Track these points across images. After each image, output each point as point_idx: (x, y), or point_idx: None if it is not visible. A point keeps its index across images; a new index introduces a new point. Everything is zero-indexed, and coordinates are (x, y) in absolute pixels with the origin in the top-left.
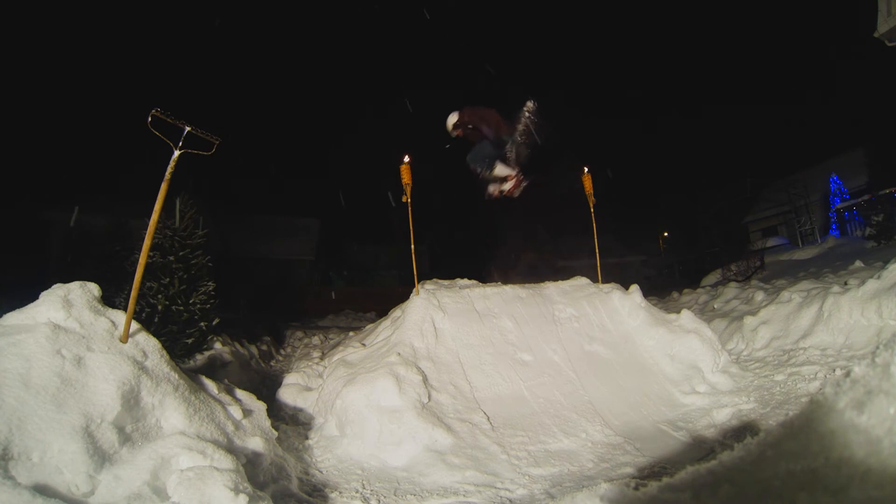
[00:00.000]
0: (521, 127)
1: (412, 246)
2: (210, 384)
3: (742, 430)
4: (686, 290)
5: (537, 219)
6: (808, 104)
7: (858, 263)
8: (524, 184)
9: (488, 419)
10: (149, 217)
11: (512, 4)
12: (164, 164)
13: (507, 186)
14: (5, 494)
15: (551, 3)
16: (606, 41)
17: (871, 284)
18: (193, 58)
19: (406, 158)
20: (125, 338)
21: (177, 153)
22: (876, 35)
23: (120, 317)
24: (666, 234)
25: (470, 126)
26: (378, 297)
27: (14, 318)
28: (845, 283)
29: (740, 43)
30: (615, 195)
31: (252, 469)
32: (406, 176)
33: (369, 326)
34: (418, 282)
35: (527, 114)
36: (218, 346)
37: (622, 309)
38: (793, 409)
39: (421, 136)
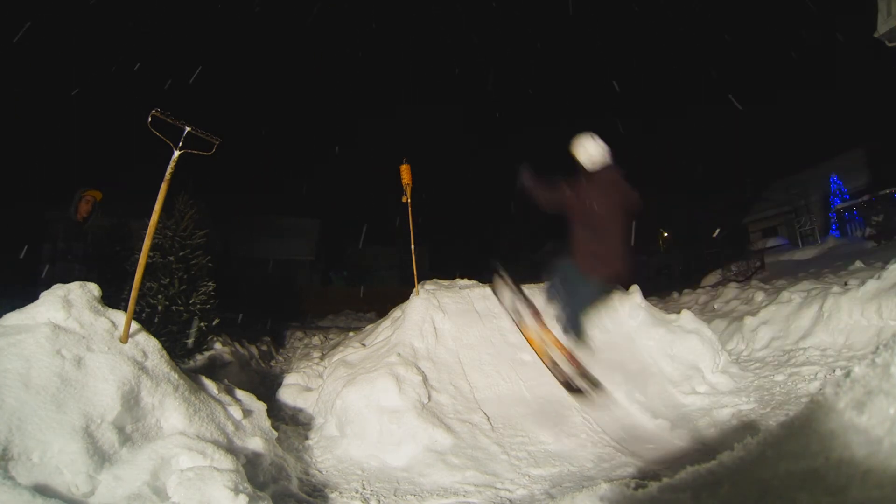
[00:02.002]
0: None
1: (412, 246)
2: (210, 384)
3: (742, 430)
4: (686, 290)
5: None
6: (809, 104)
7: (858, 264)
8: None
9: (488, 419)
10: (149, 217)
11: (509, 7)
12: (164, 165)
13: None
14: (5, 494)
15: (550, 4)
16: (605, 40)
17: (871, 285)
18: (195, 58)
19: (405, 159)
20: (125, 338)
21: (177, 153)
22: (876, 35)
23: (120, 317)
24: (666, 234)
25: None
26: (378, 297)
27: (14, 318)
28: (845, 284)
29: (740, 43)
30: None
31: (252, 469)
32: (406, 176)
33: (369, 326)
34: (418, 282)
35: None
36: (218, 346)
37: (622, 309)
38: (793, 410)
39: (421, 137)
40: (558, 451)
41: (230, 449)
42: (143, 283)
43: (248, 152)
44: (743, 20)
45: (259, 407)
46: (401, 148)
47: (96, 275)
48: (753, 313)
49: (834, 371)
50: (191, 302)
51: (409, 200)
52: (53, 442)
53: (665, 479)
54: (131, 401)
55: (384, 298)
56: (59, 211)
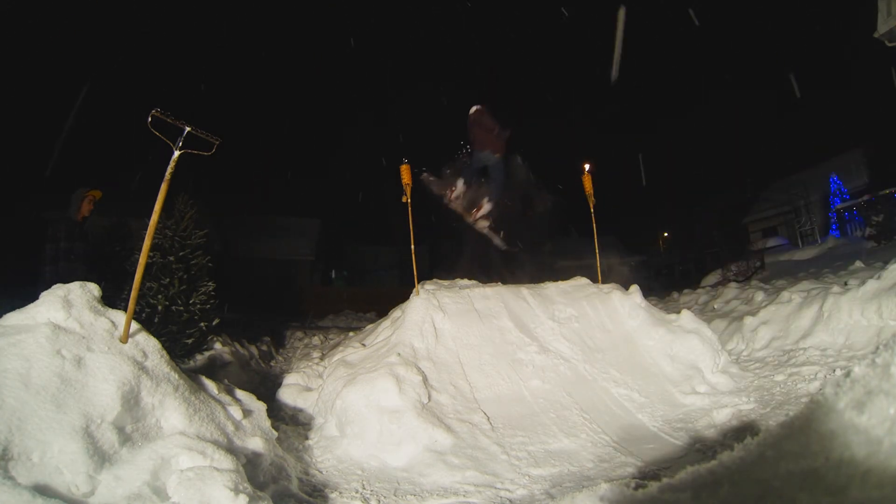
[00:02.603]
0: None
1: (412, 246)
2: (210, 384)
3: (742, 431)
4: (686, 291)
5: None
6: (808, 104)
7: (858, 264)
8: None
9: (488, 419)
10: (149, 217)
11: (510, 7)
12: (164, 165)
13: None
14: (5, 494)
15: (547, 6)
16: (605, 39)
17: (871, 285)
18: (194, 58)
19: (405, 160)
20: (125, 338)
21: (177, 153)
22: (876, 35)
23: (120, 317)
24: (666, 234)
25: (480, 128)
26: (378, 297)
27: (14, 318)
28: (845, 284)
29: (740, 43)
30: (616, 197)
31: (252, 469)
32: (406, 176)
33: (369, 327)
34: (418, 282)
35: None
36: (218, 346)
37: (622, 309)
38: (793, 410)
39: (421, 137)
40: (558, 451)
41: (230, 449)
42: (143, 283)
43: (248, 152)
44: (743, 19)
45: (259, 407)
46: (401, 148)
47: (97, 275)
48: (753, 313)
49: (834, 371)
50: (191, 302)
51: (409, 200)
52: (53, 442)
53: (665, 479)
54: (131, 401)
55: (384, 298)
56: (59, 211)
